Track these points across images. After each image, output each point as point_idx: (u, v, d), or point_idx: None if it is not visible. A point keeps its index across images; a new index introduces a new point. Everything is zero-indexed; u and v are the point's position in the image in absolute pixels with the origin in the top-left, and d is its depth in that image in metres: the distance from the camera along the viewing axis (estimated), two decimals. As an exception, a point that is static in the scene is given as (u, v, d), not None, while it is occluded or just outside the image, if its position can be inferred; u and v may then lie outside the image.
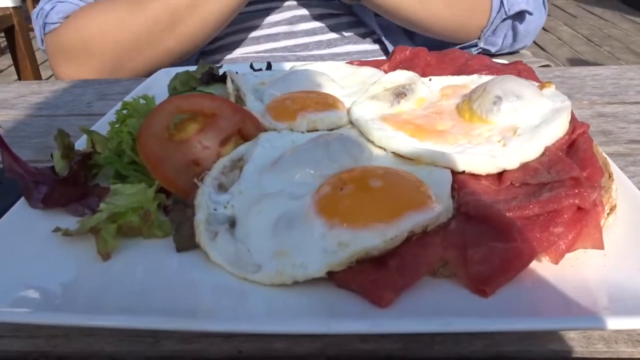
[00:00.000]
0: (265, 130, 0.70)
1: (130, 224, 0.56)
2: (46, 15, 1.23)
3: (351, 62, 0.95)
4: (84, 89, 1.13)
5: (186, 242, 0.54)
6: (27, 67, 2.88)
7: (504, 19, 1.28)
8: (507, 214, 0.49)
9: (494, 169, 0.57)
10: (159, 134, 0.63)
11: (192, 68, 0.91)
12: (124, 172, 0.63)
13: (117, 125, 0.68)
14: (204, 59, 1.33)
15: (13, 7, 2.60)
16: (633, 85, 0.99)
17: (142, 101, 0.71)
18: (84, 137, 0.70)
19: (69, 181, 0.61)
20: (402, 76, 0.80)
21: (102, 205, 0.57)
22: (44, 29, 1.25)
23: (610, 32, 5.52)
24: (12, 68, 3.10)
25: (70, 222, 0.57)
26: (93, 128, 0.75)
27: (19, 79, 2.91)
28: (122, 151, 0.63)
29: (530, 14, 1.28)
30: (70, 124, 0.96)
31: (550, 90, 0.69)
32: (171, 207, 0.58)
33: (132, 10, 1.15)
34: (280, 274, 0.47)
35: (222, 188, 0.61)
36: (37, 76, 2.90)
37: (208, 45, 1.32)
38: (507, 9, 1.26)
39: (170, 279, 0.51)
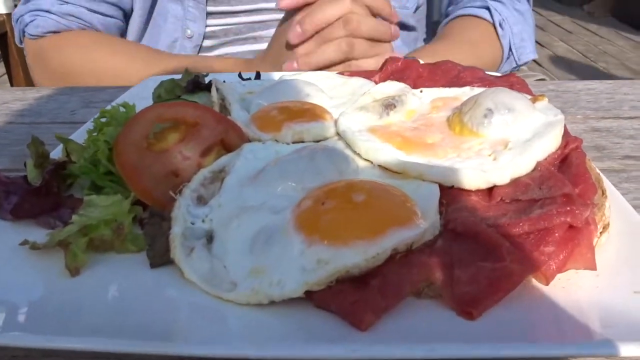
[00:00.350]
0: (249, 140, 0.67)
1: (102, 237, 0.53)
2: (26, 25, 1.30)
3: (342, 73, 0.93)
4: (69, 96, 1.11)
5: (160, 257, 0.51)
6: (20, 74, 2.85)
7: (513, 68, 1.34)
8: (497, 232, 0.47)
9: (483, 184, 0.55)
10: (136, 142, 0.60)
11: (179, 76, 0.89)
12: (99, 182, 0.61)
13: (94, 134, 0.65)
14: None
15: (6, 14, 2.58)
16: (628, 100, 0.98)
17: (122, 109, 0.69)
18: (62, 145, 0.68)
19: (40, 191, 0.59)
20: (392, 87, 0.78)
21: (74, 218, 0.55)
22: (23, 34, 1.33)
23: (605, 49, 5.56)
24: (6, 76, 3.08)
25: (40, 234, 0.54)
26: (72, 136, 0.72)
27: (12, 86, 2.89)
28: (97, 161, 0.61)
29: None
30: (52, 132, 0.93)
31: (543, 103, 0.67)
32: (147, 220, 0.55)
33: (113, 53, 1.27)
34: (255, 292, 0.45)
35: (201, 201, 0.58)
36: (30, 83, 2.87)
37: (204, 52, 1.33)
38: (517, 59, 1.31)
39: (142, 297, 0.48)
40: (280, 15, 1.32)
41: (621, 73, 4.87)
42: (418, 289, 0.45)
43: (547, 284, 0.45)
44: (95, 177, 0.61)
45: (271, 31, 1.30)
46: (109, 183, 0.61)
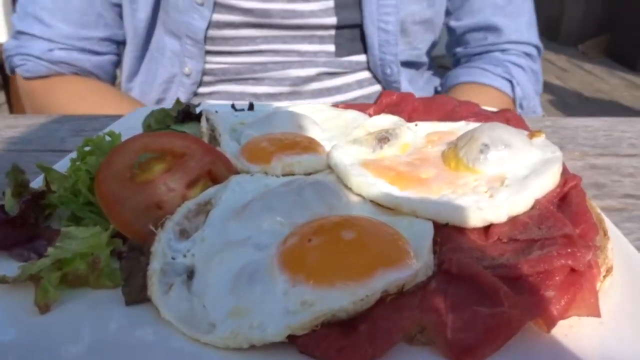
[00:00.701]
0: (237, 172, 0.65)
1: (77, 272, 0.50)
2: (16, 66, 1.29)
3: (336, 105, 0.92)
4: (60, 124, 1.09)
5: (136, 294, 0.48)
6: (20, 103, 2.86)
7: None
8: (494, 274, 0.44)
9: (480, 222, 0.52)
10: (119, 172, 0.58)
11: (170, 105, 0.87)
12: (78, 213, 0.58)
13: (77, 163, 0.63)
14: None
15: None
16: (625, 137, 0.96)
17: (107, 138, 0.66)
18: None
19: (16, 222, 0.56)
20: (386, 120, 0.77)
21: (49, 250, 0.52)
22: (13, 70, 1.32)
23: (599, 87, 5.63)
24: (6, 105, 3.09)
25: (12, 267, 0.51)
26: (57, 165, 0.70)
27: (11, 113, 2.89)
28: (78, 191, 0.58)
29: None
30: (40, 160, 0.91)
31: (541, 139, 0.66)
32: (125, 254, 0.52)
33: (101, 106, 1.24)
34: (235, 335, 0.41)
35: (184, 234, 0.55)
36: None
37: (202, 88, 1.30)
38: (524, 112, 1.30)
39: (114, 338, 0.45)
40: (282, 58, 1.27)
41: (615, 111, 4.91)
42: (410, 335, 0.42)
43: (548, 332, 0.42)
44: (74, 207, 0.58)
45: (272, 73, 1.28)
46: (89, 214, 0.58)
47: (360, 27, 1.29)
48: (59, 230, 0.55)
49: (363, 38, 1.30)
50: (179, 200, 0.59)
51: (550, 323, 0.42)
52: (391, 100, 0.90)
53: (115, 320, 0.47)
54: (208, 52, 1.27)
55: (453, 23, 1.40)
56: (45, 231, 0.58)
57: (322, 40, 1.29)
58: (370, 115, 0.85)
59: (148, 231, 0.54)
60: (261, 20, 1.24)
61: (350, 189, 0.60)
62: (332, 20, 1.27)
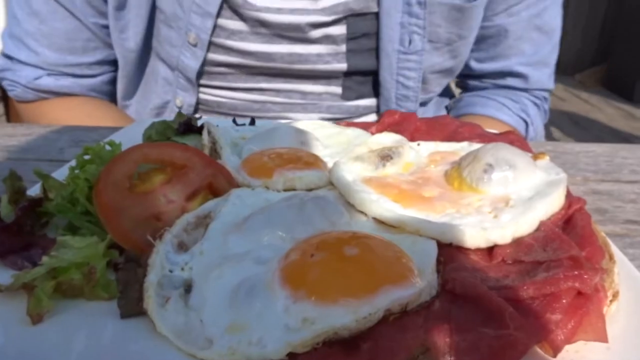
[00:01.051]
0: (238, 186, 0.64)
1: (72, 282, 0.49)
2: (6, 89, 1.24)
3: (338, 122, 0.92)
4: (59, 134, 1.09)
5: (132, 307, 0.47)
6: (17, 115, 2.86)
7: None
8: (499, 295, 0.43)
9: (484, 243, 0.52)
10: (118, 182, 0.57)
11: (171, 117, 0.87)
12: (76, 222, 0.57)
13: (76, 171, 0.62)
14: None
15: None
16: (627, 164, 0.96)
17: (107, 147, 0.66)
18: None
19: (12, 229, 0.55)
20: (389, 139, 0.76)
21: (43, 259, 0.51)
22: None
23: (596, 116, 5.69)
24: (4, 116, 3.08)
25: (6, 276, 0.50)
26: (55, 174, 0.69)
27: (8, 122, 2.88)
28: (76, 199, 0.57)
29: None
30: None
31: (544, 162, 0.65)
32: (122, 266, 0.51)
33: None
34: (233, 352, 0.40)
35: (182, 247, 0.54)
36: (26, 122, 2.86)
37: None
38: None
39: (108, 351, 0.43)
40: (283, 99, 1.17)
41: (612, 140, 4.95)
42: (413, 355, 0.40)
43: (554, 356, 0.41)
44: (72, 216, 0.57)
45: (270, 114, 1.18)
46: (86, 224, 0.57)
47: (375, 73, 1.18)
48: (55, 239, 0.54)
49: (376, 82, 1.19)
50: (178, 212, 0.58)
51: (557, 347, 0.41)
52: (394, 120, 0.90)
53: (109, 333, 0.45)
54: (202, 85, 1.19)
55: (474, 64, 1.30)
56: (41, 240, 0.56)
57: (329, 82, 1.18)
58: (373, 134, 0.85)
59: (146, 243, 0.53)
60: (262, 64, 1.14)
61: (352, 206, 0.60)
62: (342, 66, 1.16)
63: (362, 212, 0.58)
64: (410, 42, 1.10)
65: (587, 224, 0.53)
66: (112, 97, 1.31)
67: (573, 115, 5.64)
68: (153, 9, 1.12)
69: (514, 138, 0.79)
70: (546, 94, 1.32)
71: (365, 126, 0.90)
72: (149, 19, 1.13)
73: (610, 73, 6.94)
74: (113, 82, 1.28)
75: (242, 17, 1.10)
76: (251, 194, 0.61)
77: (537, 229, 0.53)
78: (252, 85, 1.18)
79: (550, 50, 1.27)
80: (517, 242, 0.52)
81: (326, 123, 0.89)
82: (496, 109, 1.26)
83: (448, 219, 0.54)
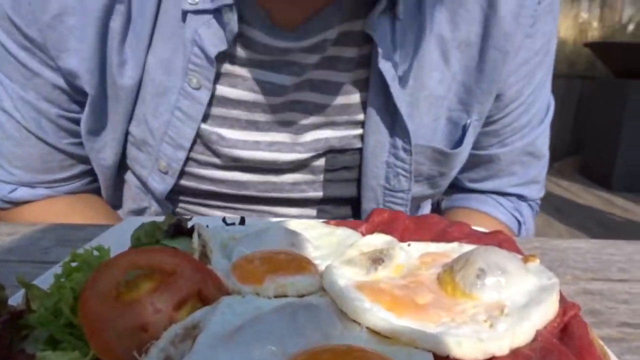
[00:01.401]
0: (228, 292, 0.63)
1: (49, 404, 0.46)
2: None
3: (327, 221, 0.92)
4: (44, 233, 1.07)
5: None
6: None
7: None
8: (501, 416, 0.42)
9: (481, 355, 0.50)
10: (105, 292, 0.56)
11: (161, 218, 0.86)
12: (57, 335, 0.55)
13: (62, 279, 0.60)
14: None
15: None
16: (614, 261, 0.97)
17: (95, 252, 0.65)
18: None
19: (-11, 344, 0.52)
20: (380, 240, 0.76)
21: (20, 378, 0.48)
22: None
23: (577, 204, 5.82)
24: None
25: (-23, 397, 0.47)
26: (38, 280, 0.67)
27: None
28: (59, 310, 0.55)
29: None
30: (21, 272, 0.88)
31: (535, 265, 0.65)
32: (104, 384, 0.49)
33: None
34: None
35: (169, 362, 0.52)
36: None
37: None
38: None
39: None
40: (256, 216, 1.12)
41: (595, 228, 5.03)
42: None
43: None
44: (53, 329, 0.55)
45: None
46: (69, 337, 0.54)
47: (355, 200, 1.15)
48: (34, 355, 0.51)
49: (356, 207, 1.16)
50: (166, 322, 0.56)
51: None
52: (383, 218, 0.91)
53: None
54: (171, 200, 1.16)
55: (466, 183, 1.29)
56: (19, 355, 0.53)
57: (305, 204, 1.15)
58: (363, 233, 0.85)
59: (131, 357, 0.51)
60: (234, 192, 1.11)
61: (344, 313, 0.58)
62: (319, 194, 1.13)
63: (355, 321, 0.57)
64: (397, 181, 1.09)
65: (584, 333, 0.52)
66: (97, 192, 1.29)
67: (555, 202, 5.78)
68: (127, 132, 1.10)
69: (502, 238, 0.80)
70: (538, 201, 1.33)
71: (354, 225, 0.90)
72: (125, 140, 1.11)
73: (585, 163, 7.22)
74: (92, 182, 1.25)
75: (215, 153, 1.08)
76: (241, 302, 0.59)
77: (534, 339, 0.52)
78: (222, 204, 1.16)
79: (540, 170, 1.28)
80: (515, 353, 0.50)
81: (316, 223, 0.89)
82: (492, 206, 1.27)
83: (444, 328, 0.53)
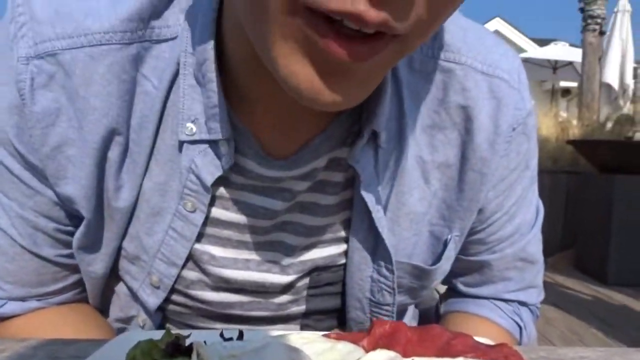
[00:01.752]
0: (229, 419, 0.60)
1: None
2: None
3: (328, 335, 0.90)
4: (34, 350, 1.03)
5: None
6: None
7: None
8: None
9: None
10: None
11: (159, 333, 0.84)
12: None
13: (55, 410, 0.58)
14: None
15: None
16: (623, 370, 0.94)
17: (91, 380, 0.62)
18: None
19: None
20: (383, 356, 0.75)
21: None
22: None
23: (575, 300, 5.74)
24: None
25: None
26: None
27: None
28: None
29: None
30: (6, 394, 0.84)
31: (545, 383, 0.64)
32: None
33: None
34: None
35: None
36: None
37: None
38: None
39: None
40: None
41: (595, 324, 4.92)
42: None
43: None
44: None
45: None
46: None
47: (339, 310, 1.15)
48: None
49: (342, 316, 1.15)
50: None
51: None
52: (384, 331, 0.89)
53: None
54: (161, 308, 1.13)
55: (462, 288, 1.27)
56: None
57: (287, 320, 1.14)
58: (364, 347, 0.83)
59: None
60: (219, 311, 1.11)
61: None
62: (301, 309, 1.13)
63: None
64: (381, 295, 1.09)
65: None
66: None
67: (553, 299, 5.70)
68: (120, 247, 1.10)
69: (508, 352, 0.78)
70: (538, 305, 1.32)
71: (355, 338, 0.88)
72: (117, 254, 1.11)
73: (579, 257, 7.21)
74: (83, 292, 1.20)
75: (204, 272, 1.09)
76: None
77: None
78: (208, 324, 1.14)
79: (535, 274, 1.27)
80: None
81: (316, 337, 0.87)
82: (490, 309, 1.24)
83: None
